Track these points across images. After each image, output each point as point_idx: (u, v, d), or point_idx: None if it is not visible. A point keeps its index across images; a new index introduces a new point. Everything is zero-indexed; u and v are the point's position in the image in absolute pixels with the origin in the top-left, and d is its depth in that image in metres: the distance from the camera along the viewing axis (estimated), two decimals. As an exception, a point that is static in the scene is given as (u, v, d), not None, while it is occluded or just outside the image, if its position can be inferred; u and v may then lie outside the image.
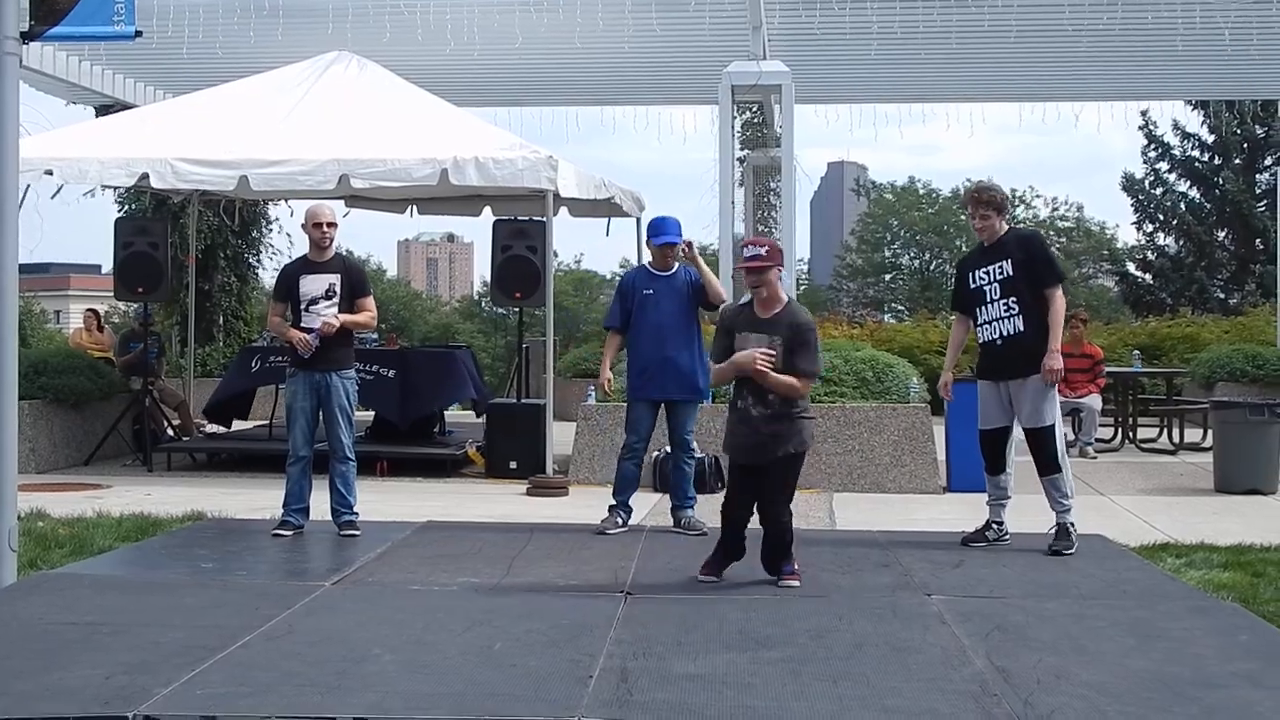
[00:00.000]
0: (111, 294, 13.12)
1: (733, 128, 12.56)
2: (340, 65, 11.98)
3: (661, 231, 8.00)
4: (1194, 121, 29.86)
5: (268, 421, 12.25)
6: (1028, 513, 7.85)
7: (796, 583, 6.30)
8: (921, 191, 52.99)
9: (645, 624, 5.53)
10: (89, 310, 14.81)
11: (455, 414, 14.54)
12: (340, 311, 7.71)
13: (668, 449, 8.39)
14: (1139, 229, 31.95)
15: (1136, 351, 15.46)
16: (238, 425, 13.00)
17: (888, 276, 53.17)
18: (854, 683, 4.64)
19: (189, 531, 8.02)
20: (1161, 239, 31.71)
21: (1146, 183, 31.27)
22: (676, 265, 8.03)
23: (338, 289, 7.73)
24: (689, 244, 8.02)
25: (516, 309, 12.15)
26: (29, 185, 9.97)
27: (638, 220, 13.38)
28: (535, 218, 11.21)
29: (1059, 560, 7.07)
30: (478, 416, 13.28)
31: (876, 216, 54.43)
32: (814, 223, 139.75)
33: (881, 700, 4.43)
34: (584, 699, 4.42)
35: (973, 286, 7.44)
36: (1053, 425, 7.26)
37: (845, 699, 4.45)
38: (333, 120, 11.11)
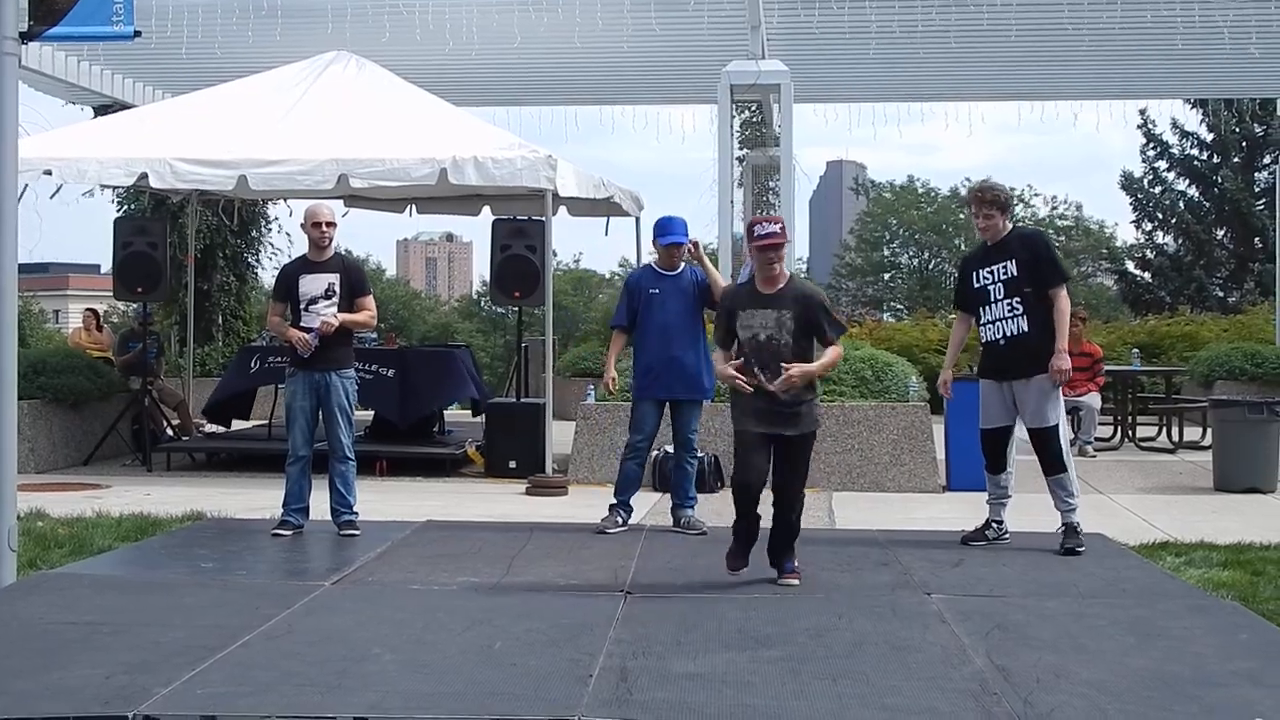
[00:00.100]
0: (110, 294, 13.13)
1: (731, 127, 12.56)
2: (339, 65, 11.99)
3: (668, 231, 8.00)
4: (1193, 120, 29.96)
5: (267, 421, 12.24)
6: (1028, 512, 7.86)
7: (796, 581, 6.31)
8: (920, 190, 52.97)
9: (645, 623, 5.53)
10: (88, 310, 14.80)
11: (454, 413, 14.53)
12: (340, 311, 7.70)
13: (667, 449, 8.39)
14: (1138, 228, 32.02)
15: (1136, 350, 15.44)
16: (237, 425, 12.99)
17: (886, 275, 53.13)
18: (853, 681, 4.64)
19: (189, 531, 8.02)
20: (1160, 237, 31.77)
21: (1145, 181, 31.30)
22: (682, 265, 8.05)
23: (337, 288, 7.72)
24: (695, 244, 8.03)
25: (515, 308, 12.13)
26: (27, 185, 9.97)
27: (637, 220, 13.39)
28: (534, 217, 11.21)
29: (1059, 559, 7.06)
30: (475, 416, 13.29)
31: (875, 215, 54.41)
32: (813, 222, 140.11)
33: (881, 699, 4.43)
34: (584, 698, 4.42)
35: (976, 286, 7.42)
36: (1057, 425, 7.25)
37: (845, 697, 4.45)
38: (331, 120, 11.12)
